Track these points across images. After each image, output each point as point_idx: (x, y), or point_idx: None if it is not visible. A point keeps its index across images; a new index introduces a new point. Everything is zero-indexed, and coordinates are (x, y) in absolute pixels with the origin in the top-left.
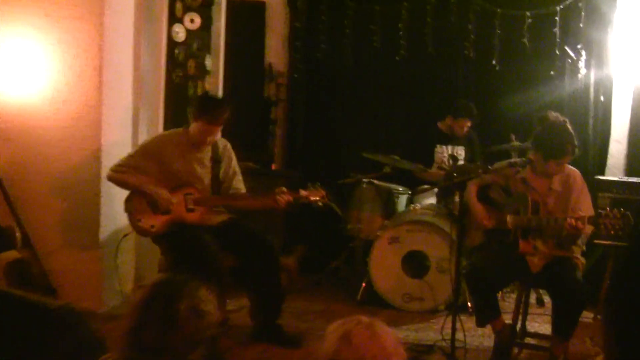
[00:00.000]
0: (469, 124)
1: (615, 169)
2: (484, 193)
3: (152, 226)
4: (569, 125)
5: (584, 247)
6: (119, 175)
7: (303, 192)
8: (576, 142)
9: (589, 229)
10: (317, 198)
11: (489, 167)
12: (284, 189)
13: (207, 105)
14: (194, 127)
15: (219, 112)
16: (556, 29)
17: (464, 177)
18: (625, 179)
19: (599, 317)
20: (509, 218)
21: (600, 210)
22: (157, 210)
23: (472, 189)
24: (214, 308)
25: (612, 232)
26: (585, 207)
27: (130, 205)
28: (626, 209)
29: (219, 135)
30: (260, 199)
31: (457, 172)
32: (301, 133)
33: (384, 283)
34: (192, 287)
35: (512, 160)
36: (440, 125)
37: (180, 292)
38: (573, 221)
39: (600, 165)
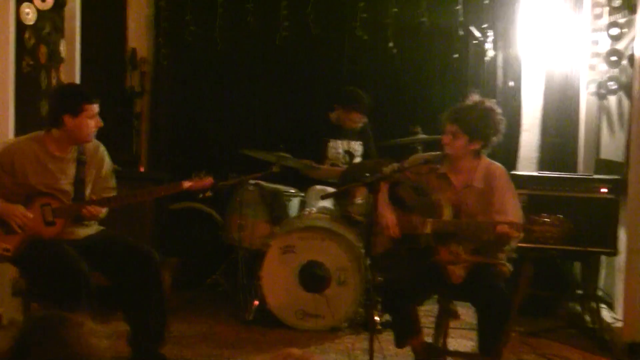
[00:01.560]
0: (360, 116)
1: (526, 162)
2: (393, 193)
3: (7, 249)
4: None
5: (514, 254)
6: None
7: (186, 184)
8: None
9: (520, 234)
10: (205, 187)
11: (402, 163)
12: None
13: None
14: (72, 123)
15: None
16: (459, 7)
17: (378, 176)
18: (543, 173)
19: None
20: (427, 221)
21: (534, 217)
22: (10, 229)
23: (381, 189)
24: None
25: (547, 240)
26: (512, 209)
27: None
28: (544, 207)
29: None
30: (130, 198)
31: (360, 169)
32: (170, 129)
33: (276, 298)
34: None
35: (427, 154)
36: (331, 116)
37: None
38: (505, 228)
39: (511, 158)
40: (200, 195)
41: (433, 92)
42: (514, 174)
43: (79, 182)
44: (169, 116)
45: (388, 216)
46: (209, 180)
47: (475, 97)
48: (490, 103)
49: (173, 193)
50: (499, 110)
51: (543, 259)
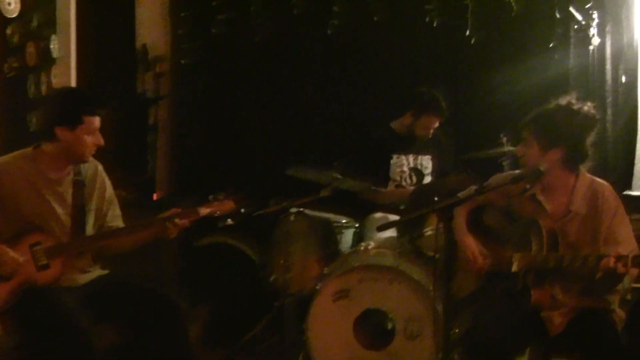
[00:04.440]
0: (436, 122)
1: None
2: (476, 220)
3: None
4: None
5: (629, 295)
6: None
7: (203, 210)
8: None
9: (634, 271)
10: (225, 213)
11: (483, 183)
12: (178, 210)
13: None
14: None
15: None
16: None
17: (450, 200)
18: None
19: None
20: (515, 256)
21: None
22: None
23: (460, 214)
24: None
25: None
26: (624, 237)
27: None
28: None
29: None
30: (139, 229)
31: (432, 190)
32: (195, 143)
33: (329, 356)
34: None
35: (517, 172)
36: (395, 125)
37: None
38: (612, 262)
39: (626, 174)
40: (220, 224)
41: (524, 91)
42: (628, 195)
43: (78, 211)
44: (193, 128)
45: (472, 246)
46: (229, 205)
47: (565, 98)
48: (577, 102)
49: (187, 223)
50: (587, 110)
51: None
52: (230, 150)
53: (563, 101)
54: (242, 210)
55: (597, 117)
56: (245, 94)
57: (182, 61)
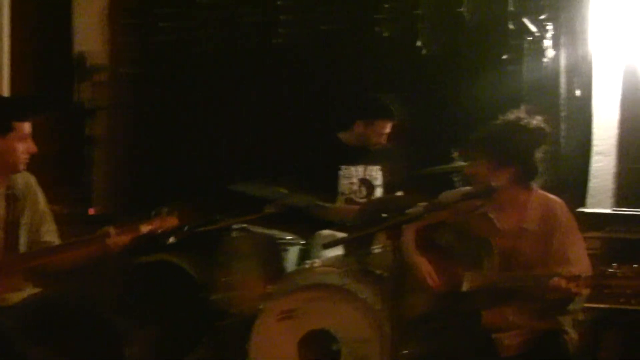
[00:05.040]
0: (388, 126)
1: (599, 195)
2: (427, 239)
3: None
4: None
5: (580, 316)
6: None
7: (145, 227)
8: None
9: (585, 291)
10: (168, 230)
11: (434, 200)
12: (112, 228)
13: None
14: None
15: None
16: None
17: (399, 218)
18: (622, 210)
19: None
20: (466, 276)
21: (606, 269)
22: None
23: (409, 232)
24: None
25: (621, 297)
26: (576, 255)
27: None
28: (623, 254)
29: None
30: (76, 247)
31: (381, 206)
32: (134, 157)
33: None
34: None
35: (468, 189)
36: (344, 137)
37: None
38: (563, 282)
39: (580, 191)
40: (162, 242)
41: (477, 105)
42: (582, 212)
43: (11, 226)
44: (134, 140)
45: (422, 265)
46: (171, 221)
47: (514, 113)
48: (525, 117)
49: (127, 240)
50: (536, 124)
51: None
52: (172, 164)
53: (511, 116)
54: (185, 228)
55: (548, 130)
56: (188, 106)
57: (122, 70)
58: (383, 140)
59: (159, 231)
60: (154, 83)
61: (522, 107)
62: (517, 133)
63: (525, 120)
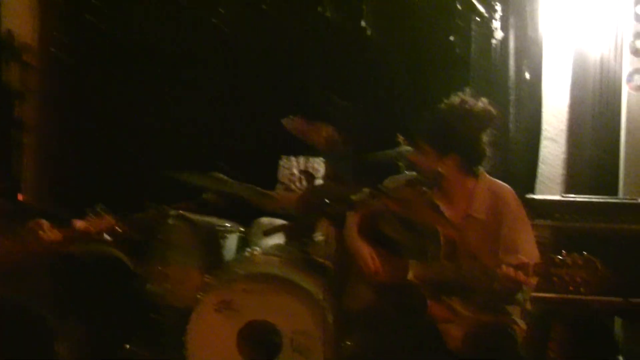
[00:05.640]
0: (331, 130)
1: (548, 182)
2: (371, 228)
3: None
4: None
5: (528, 305)
6: None
7: (79, 224)
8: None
9: (533, 279)
10: (103, 230)
11: (378, 186)
12: (44, 222)
13: None
14: None
15: None
16: None
17: (341, 205)
18: (571, 197)
19: None
20: (411, 265)
21: (555, 257)
22: None
23: (352, 221)
24: None
25: (570, 286)
26: (525, 244)
27: None
28: (573, 243)
29: None
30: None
31: (320, 195)
32: (66, 142)
33: None
34: None
35: (413, 174)
36: (287, 124)
37: None
38: (511, 271)
39: (527, 177)
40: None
41: (421, 88)
42: (532, 199)
43: None
44: (65, 125)
45: (366, 254)
46: (108, 221)
47: (458, 96)
48: (470, 100)
49: (60, 237)
50: (482, 107)
51: (580, 316)
52: (106, 150)
53: (455, 100)
54: (120, 230)
55: (495, 113)
56: (123, 91)
57: (54, 51)
58: (321, 140)
59: (93, 231)
60: (89, 67)
61: (466, 90)
62: (462, 118)
63: (470, 104)
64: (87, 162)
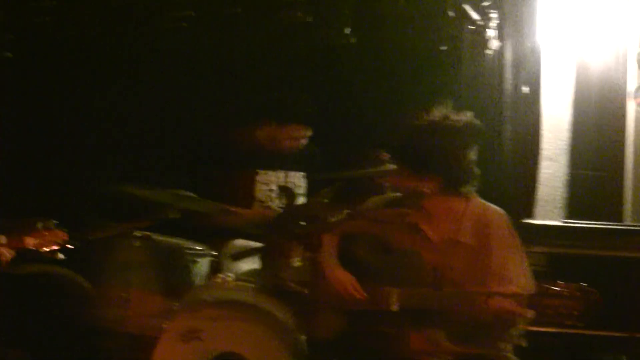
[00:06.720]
0: (304, 133)
1: (547, 205)
2: (346, 252)
3: None
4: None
5: (521, 341)
6: None
7: (29, 240)
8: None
9: (527, 312)
10: (54, 247)
11: (357, 207)
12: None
13: None
14: None
15: None
16: None
17: (318, 226)
18: (571, 222)
19: None
20: (391, 293)
21: (550, 287)
22: None
23: (330, 245)
24: None
25: (565, 318)
26: (518, 273)
27: None
28: (571, 272)
29: None
30: None
31: (298, 214)
32: (11, 152)
33: None
34: None
35: (395, 194)
36: (261, 135)
37: None
38: (502, 302)
39: (526, 200)
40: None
41: (409, 101)
42: (529, 224)
43: None
44: (9, 133)
45: (344, 280)
46: (60, 236)
47: (439, 111)
48: (453, 115)
49: (5, 253)
50: (467, 121)
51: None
52: (55, 161)
53: (435, 115)
54: (72, 246)
55: (480, 128)
56: (74, 95)
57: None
58: (296, 143)
59: (43, 247)
60: (36, 68)
61: (448, 103)
62: (444, 134)
63: (454, 118)
64: (38, 174)
